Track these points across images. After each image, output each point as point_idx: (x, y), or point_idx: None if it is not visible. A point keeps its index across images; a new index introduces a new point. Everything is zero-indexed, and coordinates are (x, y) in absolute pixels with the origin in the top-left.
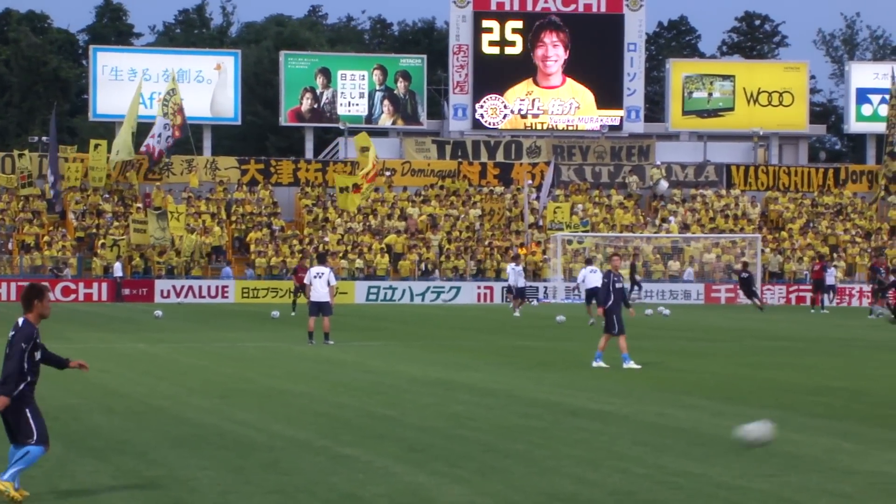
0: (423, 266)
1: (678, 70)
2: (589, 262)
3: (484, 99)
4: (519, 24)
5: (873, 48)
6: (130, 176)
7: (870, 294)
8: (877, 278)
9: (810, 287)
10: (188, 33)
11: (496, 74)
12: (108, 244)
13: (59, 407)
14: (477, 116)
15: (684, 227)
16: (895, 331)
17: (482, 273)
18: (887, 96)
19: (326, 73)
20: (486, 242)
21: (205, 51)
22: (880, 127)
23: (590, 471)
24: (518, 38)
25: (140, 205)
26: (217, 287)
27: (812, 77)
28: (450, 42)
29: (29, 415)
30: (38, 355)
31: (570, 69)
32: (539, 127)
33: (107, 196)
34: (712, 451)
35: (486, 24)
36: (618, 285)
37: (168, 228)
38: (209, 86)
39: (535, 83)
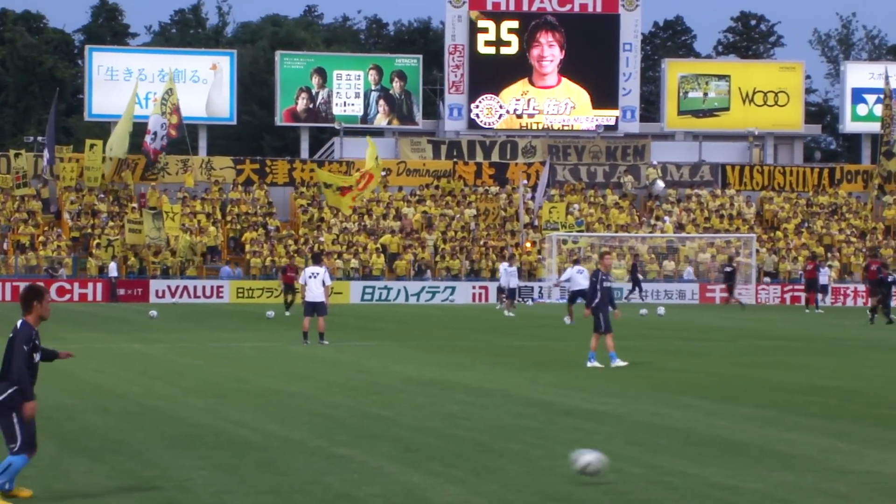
0: (417, 266)
1: (674, 70)
2: (576, 261)
3: (479, 99)
4: (515, 24)
5: (869, 48)
6: (126, 176)
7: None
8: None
9: (803, 287)
10: (184, 33)
11: (492, 74)
12: (104, 244)
13: (53, 407)
14: (472, 116)
15: (679, 227)
16: (890, 330)
17: (476, 273)
18: (882, 96)
19: (322, 73)
20: (482, 242)
21: (200, 51)
22: (875, 127)
23: None
24: (514, 38)
25: (135, 205)
26: (212, 287)
27: (807, 77)
28: (445, 42)
29: (15, 420)
30: (36, 357)
31: (566, 69)
32: (534, 127)
33: (102, 196)
34: (707, 450)
35: (481, 24)
36: (605, 284)
37: (163, 228)
38: (205, 86)
39: (531, 83)
